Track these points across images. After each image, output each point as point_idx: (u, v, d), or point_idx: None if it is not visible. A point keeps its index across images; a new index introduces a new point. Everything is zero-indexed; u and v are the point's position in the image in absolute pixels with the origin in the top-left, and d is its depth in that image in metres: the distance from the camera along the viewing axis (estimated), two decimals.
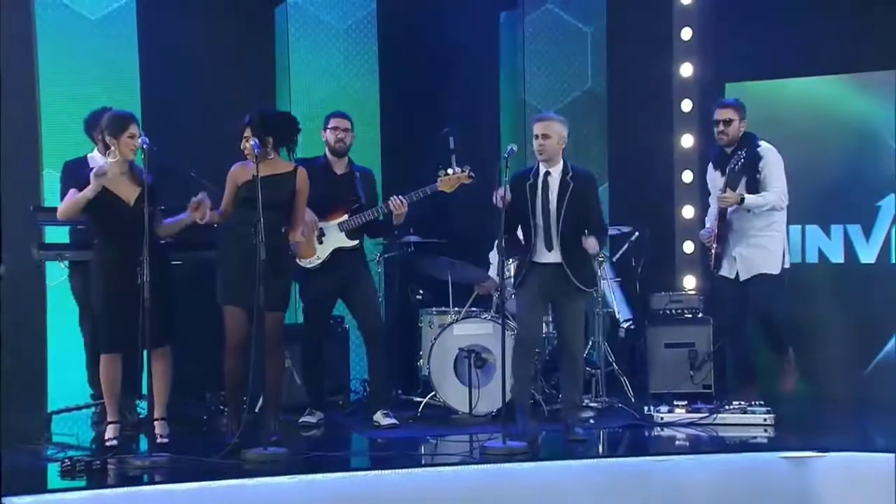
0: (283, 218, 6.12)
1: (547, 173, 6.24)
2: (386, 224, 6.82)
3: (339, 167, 6.89)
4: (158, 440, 5.89)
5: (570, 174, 6.27)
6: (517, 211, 6.21)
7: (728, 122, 6.97)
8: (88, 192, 5.78)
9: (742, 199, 6.78)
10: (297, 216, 6.22)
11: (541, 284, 6.21)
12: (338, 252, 6.74)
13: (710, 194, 7.28)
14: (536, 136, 6.25)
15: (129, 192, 5.90)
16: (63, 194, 6.62)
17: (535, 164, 6.33)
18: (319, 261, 6.73)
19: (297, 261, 6.70)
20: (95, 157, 6.78)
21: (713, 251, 7.01)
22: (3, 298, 7.00)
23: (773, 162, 6.89)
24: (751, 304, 6.93)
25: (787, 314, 7.13)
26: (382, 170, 7.83)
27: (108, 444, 5.90)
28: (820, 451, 5.66)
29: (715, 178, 7.09)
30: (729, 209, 6.86)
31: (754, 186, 6.85)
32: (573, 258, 6.19)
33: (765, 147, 6.95)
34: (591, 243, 6.13)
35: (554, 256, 6.21)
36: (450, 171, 6.58)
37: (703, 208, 7.62)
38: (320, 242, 6.71)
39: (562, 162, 6.28)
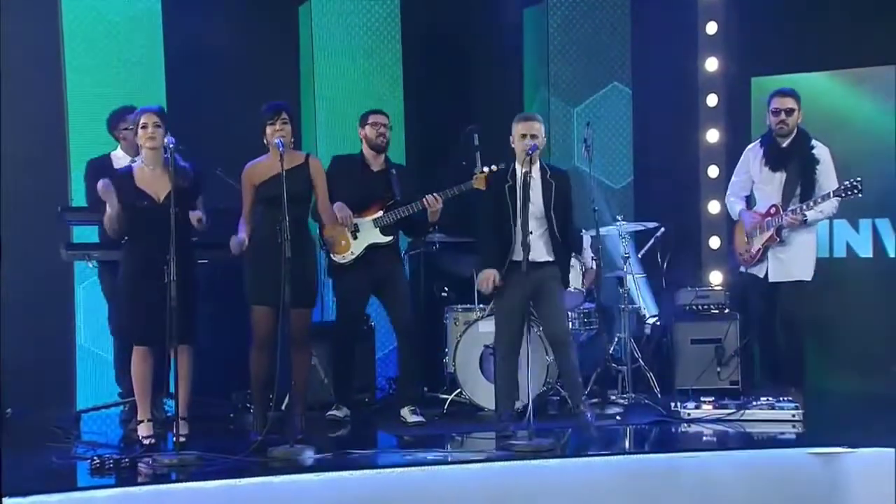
0: (304, 212, 6.08)
1: (527, 173, 6.09)
2: (421, 221, 6.84)
3: (376, 164, 6.89)
4: (174, 439, 5.81)
5: (549, 173, 6.25)
6: (497, 214, 6.16)
7: (790, 112, 6.73)
8: (110, 209, 5.85)
9: (805, 220, 6.64)
10: (322, 206, 6.18)
11: (523, 286, 5.94)
12: (372, 248, 6.75)
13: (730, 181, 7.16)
14: (524, 136, 6.13)
15: (159, 189, 5.90)
16: (87, 193, 6.66)
17: (510, 165, 6.23)
18: (353, 256, 6.73)
19: (332, 256, 6.72)
20: (118, 156, 6.83)
21: (756, 252, 6.85)
22: (33, 299, 7.11)
23: (828, 168, 6.73)
24: (779, 307, 6.83)
25: (812, 315, 7.08)
26: (406, 167, 7.82)
27: (145, 441, 5.87)
28: (849, 446, 5.62)
29: (759, 170, 6.87)
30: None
31: (809, 190, 6.69)
32: (561, 256, 6.25)
33: (820, 149, 6.77)
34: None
35: (536, 255, 6.14)
36: (485, 168, 6.57)
37: None
38: (355, 238, 6.73)
39: (538, 161, 6.22)
